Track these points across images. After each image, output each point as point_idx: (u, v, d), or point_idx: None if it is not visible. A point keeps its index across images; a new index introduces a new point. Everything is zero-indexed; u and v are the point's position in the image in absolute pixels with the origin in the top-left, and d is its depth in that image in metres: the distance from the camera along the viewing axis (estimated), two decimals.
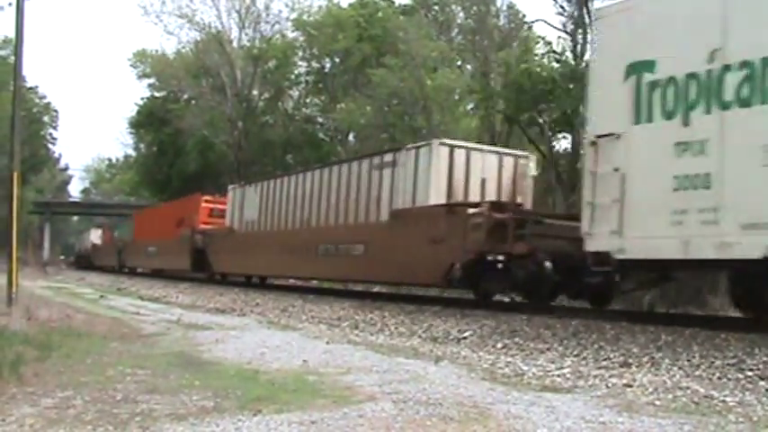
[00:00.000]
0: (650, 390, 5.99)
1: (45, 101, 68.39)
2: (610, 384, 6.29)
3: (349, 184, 17.13)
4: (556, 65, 25.19)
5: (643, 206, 9.13)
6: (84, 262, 55.22)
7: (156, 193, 55.70)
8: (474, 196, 14.52)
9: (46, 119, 68.85)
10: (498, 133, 28.05)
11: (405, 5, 39.78)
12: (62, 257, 73.06)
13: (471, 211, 13.11)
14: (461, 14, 37.18)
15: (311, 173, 19.31)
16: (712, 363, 7.05)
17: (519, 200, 14.90)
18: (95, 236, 53.90)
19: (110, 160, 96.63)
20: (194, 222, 26.93)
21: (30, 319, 10.63)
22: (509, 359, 7.91)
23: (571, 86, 22.98)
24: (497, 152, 15.91)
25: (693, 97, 8.60)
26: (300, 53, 44.44)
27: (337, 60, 41.53)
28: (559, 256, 11.66)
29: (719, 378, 6.57)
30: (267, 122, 45.03)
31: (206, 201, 27.79)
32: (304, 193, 19.14)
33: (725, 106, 8.28)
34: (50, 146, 73.26)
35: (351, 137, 40.76)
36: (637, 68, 9.28)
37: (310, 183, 18.95)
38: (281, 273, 22.14)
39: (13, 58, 16.72)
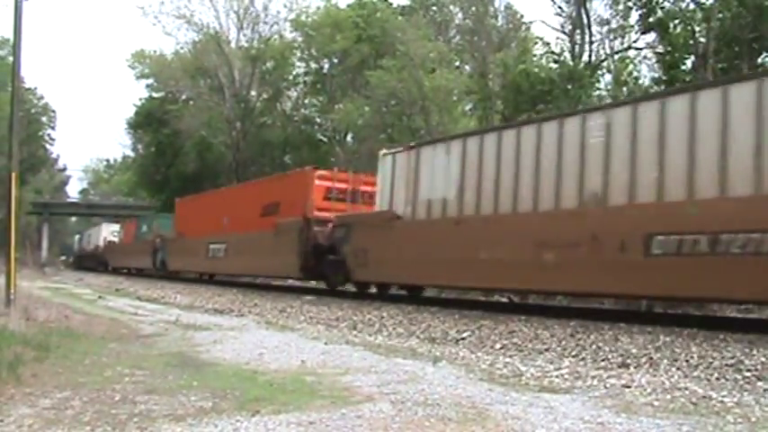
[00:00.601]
0: (649, 390, 5.99)
1: (43, 101, 68.54)
2: (608, 385, 6.30)
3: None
4: (554, 65, 25.26)
5: None
6: (91, 263, 49.22)
7: (154, 194, 55.73)
8: None
9: (44, 119, 68.97)
10: None
11: (403, 6, 39.87)
12: (62, 258, 72.71)
13: None
14: (459, 15, 37.29)
15: (602, 114, 11.28)
16: (710, 363, 7.06)
17: None
18: (108, 232, 46.64)
19: (108, 161, 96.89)
20: (304, 208, 18.42)
21: (28, 319, 10.61)
22: (507, 360, 7.91)
23: (569, 87, 23.05)
24: None
25: None
26: (299, 54, 44.53)
27: (336, 61, 41.61)
28: None
29: (718, 378, 6.58)
30: (265, 123, 45.08)
31: (320, 177, 18.98)
32: (584, 150, 11.21)
33: None
34: (49, 146, 73.48)
35: (349, 137, 40.80)
36: None
37: (602, 132, 10.99)
38: (532, 285, 12.70)
39: (11, 58, 16.73)
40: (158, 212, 43.22)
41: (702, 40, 20.56)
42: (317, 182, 18.82)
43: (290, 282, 24.74)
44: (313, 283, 23.31)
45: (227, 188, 29.61)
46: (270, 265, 20.67)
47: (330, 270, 17.56)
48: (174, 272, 30.32)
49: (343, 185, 18.90)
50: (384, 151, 16.47)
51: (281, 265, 19.60)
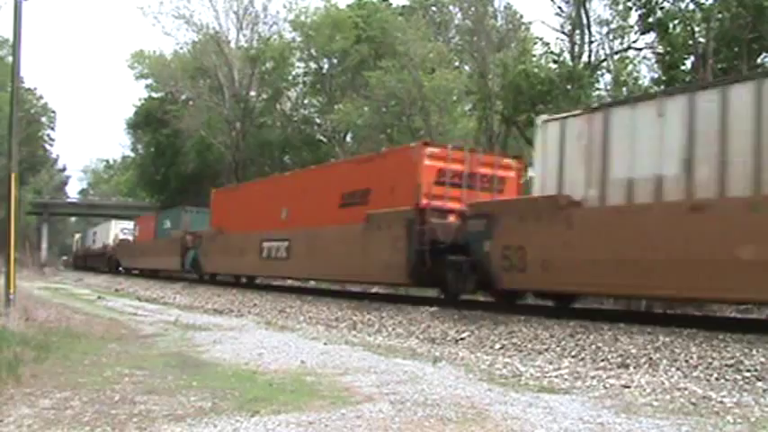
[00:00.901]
0: (648, 390, 6.00)
1: (43, 101, 68.39)
2: (608, 385, 6.30)
3: None
4: (554, 66, 25.25)
5: None
6: (98, 263, 45.50)
7: (153, 194, 55.75)
8: None
9: (44, 119, 68.78)
10: (496, 134, 28.10)
11: (403, 6, 39.90)
12: (63, 258, 72.42)
13: None
14: (459, 15, 37.27)
15: None
16: (710, 363, 7.07)
17: None
18: (119, 229, 43.25)
19: (107, 161, 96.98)
20: (414, 195, 14.37)
21: (28, 319, 10.61)
22: (507, 360, 7.92)
23: (569, 87, 23.05)
24: None
25: None
26: (298, 54, 44.50)
27: (335, 61, 41.60)
28: None
29: (717, 379, 6.59)
30: (265, 123, 45.06)
31: (432, 156, 14.73)
32: None
33: None
34: (48, 147, 73.21)
35: (348, 137, 40.81)
36: None
37: None
38: None
39: (10, 58, 16.73)
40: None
41: (702, 40, 20.55)
42: (426, 161, 14.64)
43: (290, 281, 24.55)
44: (312, 283, 23.28)
45: (286, 175, 24.62)
46: (360, 267, 15.94)
47: (454, 274, 13.40)
48: (210, 274, 25.85)
49: (458, 167, 14.76)
50: (544, 117, 12.69)
51: (380, 268, 15.18)
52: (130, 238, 40.37)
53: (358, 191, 16.45)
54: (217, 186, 34.66)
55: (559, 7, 27.31)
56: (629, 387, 6.17)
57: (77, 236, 62.82)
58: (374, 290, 20.01)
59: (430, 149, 14.85)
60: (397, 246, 14.40)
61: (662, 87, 22.87)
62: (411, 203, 14.28)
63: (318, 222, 17.55)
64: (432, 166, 14.62)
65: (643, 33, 24.35)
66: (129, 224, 42.45)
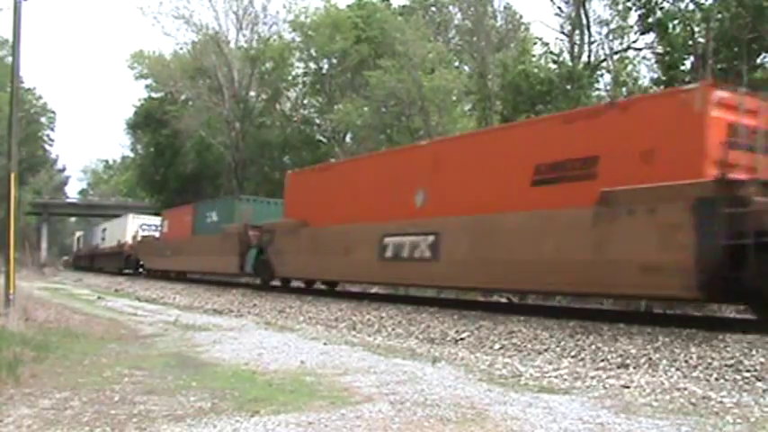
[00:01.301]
0: (648, 391, 6.00)
1: (42, 102, 68.45)
2: (607, 385, 6.31)
3: None
4: (553, 66, 25.26)
5: None
6: (109, 264, 41.29)
7: (153, 194, 55.75)
8: None
9: (43, 120, 68.87)
10: None
11: (402, 6, 39.93)
12: (64, 258, 72.25)
13: None
14: (459, 15, 37.31)
15: None
16: (710, 364, 7.06)
17: None
18: (137, 224, 38.25)
19: (107, 161, 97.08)
20: (689, 163, 9.36)
21: (27, 319, 10.61)
22: (506, 360, 7.92)
23: (568, 87, 23.06)
24: None
25: None
26: (298, 54, 44.50)
27: (335, 61, 41.59)
28: None
29: (717, 379, 6.59)
30: (264, 123, 45.05)
31: (721, 104, 9.51)
32: None
33: None
34: (48, 147, 73.33)
35: (348, 138, 40.81)
36: None
37: None
38: None
39: (10, 59, 16.72)
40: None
41: (702, 40, 20.56)
42: (715, 112, 9.52)
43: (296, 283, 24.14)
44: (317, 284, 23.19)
45: (423, 144, 17.26)
46: (588, 272, 10.51)
47: None
48: (283, 279, 20.72)
49: (751, 121, 9.65)
50: None
51: (632, 274, 9.72)
52: (156, 234, 34.82)
53: (571, 160, 11.25)
54: (216, 186, 34.10)
55: (559, 7, 27.36)
56: (628, 387, 6.17)
57: (78, 234, 61.54)
58: (374, 290, 19.97)
59: (719, 94, 9.68)
60: (675, 240, 9.35)
61: (662, 88, 22.93)
62: (694, 175, 9.27)
63: (492, 207, 12.37)
64: (720, 120, 9.60)
65: (643, 33, 24.36)
66: (152, 219, 37.63)
